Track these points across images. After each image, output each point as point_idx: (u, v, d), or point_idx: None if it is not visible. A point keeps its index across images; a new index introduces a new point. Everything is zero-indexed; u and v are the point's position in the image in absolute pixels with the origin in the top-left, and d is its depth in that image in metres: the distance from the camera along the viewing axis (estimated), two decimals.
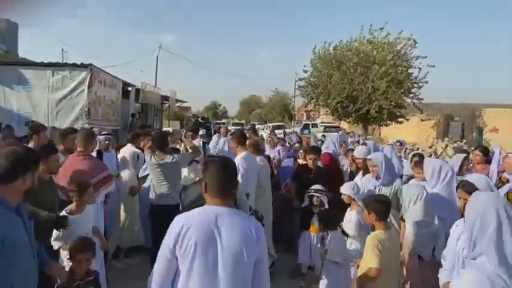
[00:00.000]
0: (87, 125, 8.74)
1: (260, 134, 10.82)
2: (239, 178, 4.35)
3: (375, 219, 3.08)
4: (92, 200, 3.26)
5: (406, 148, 8.31)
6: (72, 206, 3.12)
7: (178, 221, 1.90)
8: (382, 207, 3.09)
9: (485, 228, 1.80)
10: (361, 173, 4.93)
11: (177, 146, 6.09)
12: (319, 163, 5.34)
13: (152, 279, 1.89)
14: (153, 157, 4.44)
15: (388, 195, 3.87)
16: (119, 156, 5.52)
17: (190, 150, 4.88)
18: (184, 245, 1.82)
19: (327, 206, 4.48)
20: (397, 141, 9.25)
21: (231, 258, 1.84)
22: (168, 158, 4.42)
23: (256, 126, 19.44)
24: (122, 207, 5.30)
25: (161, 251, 1.89)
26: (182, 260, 1.84)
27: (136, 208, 5.35)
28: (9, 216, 1.93)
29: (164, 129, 15.39)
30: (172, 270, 1.87)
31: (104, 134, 5.59)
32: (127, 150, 5.59)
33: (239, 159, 4.61)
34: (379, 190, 4.12)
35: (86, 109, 9.48)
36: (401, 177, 4.61)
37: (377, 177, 4.28)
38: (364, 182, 4.43)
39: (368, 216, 3.13)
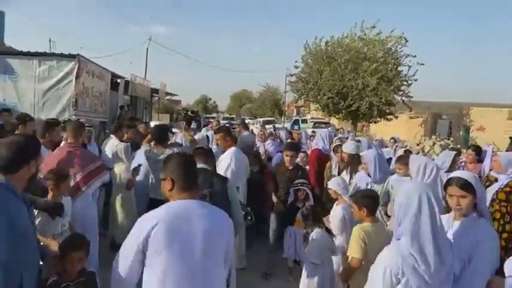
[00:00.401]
0: (74, 117, 8.59)
1: (251, 129, 10.77)
2: (230, 173, 4.33)
3: (365, 214, 3.09)
4: (68, 191, 3.14)
5: (397, 145, 8.37)
6: (48, 197, 2.97)
7: (150, 218, 1.88)
8: (371, 202, 3.13)
9: (407, 212, 1.97)
10: (347, 168, 4.90)
11: None
12: (297, 160, 5.24)
13: (118, 274, 1.87)
14: (151, 150, 4.35)
15: (379, 192, 3.85)
16: (107, 149, 5.40)
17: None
18: (157, 242, 1.81)
19: (311, 201, 4.47)
20: (391, 138, 9.43)
21: (204, 251, 1.86)
22: (167, 153, 4.33)
23: (246, 121, 19.40)
24: (120, 202, 5.16)
25: (129, 248, 1.87)
26: (154, 256, 1.82)
27: (134, 203, 5.26)
28: (19, 203, 1.92)
29: (153, 122, 15.22)
30: (140, 267, 1.86)
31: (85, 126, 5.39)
32: (115, 143, 5.41)
33: (231, 153, 4.57)
34: (371, 187, 4.08)
35: (73, 100, 9.26)
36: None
37: (369, 174, 4.23)
38: (357, 179, 4.42)
39: (358, 212, 3.13)
